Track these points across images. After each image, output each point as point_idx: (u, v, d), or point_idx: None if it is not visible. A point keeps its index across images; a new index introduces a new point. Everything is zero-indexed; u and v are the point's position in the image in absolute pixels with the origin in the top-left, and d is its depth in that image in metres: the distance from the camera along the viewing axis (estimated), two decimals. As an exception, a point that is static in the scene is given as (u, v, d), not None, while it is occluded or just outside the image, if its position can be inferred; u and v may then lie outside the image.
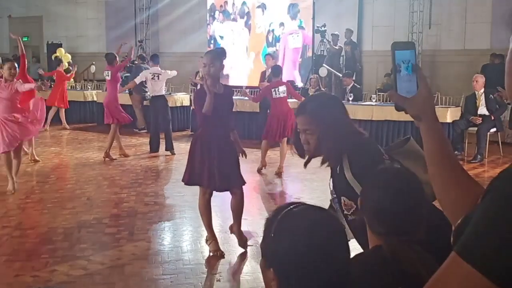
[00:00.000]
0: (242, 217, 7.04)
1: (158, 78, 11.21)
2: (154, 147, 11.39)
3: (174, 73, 11.60)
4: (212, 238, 5.70)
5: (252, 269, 5.19)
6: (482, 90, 10.61)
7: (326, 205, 1.56)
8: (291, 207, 1.51)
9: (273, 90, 9.42)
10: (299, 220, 1.48)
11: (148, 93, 11.86)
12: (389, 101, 12.82)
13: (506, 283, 1.00)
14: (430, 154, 1.53)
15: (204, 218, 5.73)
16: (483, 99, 10.60)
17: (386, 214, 1.86)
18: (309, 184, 8.93)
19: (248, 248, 5.78)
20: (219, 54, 5.48)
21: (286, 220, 1.48)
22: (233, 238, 6.18)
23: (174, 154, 11.12)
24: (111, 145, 10.63)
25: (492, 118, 10.47)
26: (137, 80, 11.43)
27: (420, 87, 1.50)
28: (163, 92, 11.42)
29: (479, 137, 10.34)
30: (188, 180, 5.63)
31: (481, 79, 10.65)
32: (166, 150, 11.25)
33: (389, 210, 1.86)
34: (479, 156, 10.18)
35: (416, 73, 1.49)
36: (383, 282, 1.77)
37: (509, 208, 1.03)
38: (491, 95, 10.53)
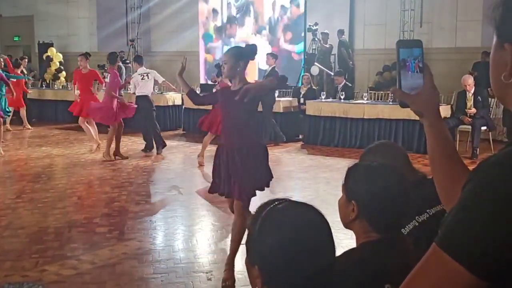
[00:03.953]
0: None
1: (148, 77, 11.16)
2: (148, 146, 11.38)
3: (161, 79, 11.52)
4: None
5: (243, 268, 5.13)
6: (473, 90, 10.64)
7: (317, 203, 1.55)
8: (275, 203, 1.50)
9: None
10: (283, 217, 1.47)
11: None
12: (381, 99, 12.87)
13: (484, 273, 1.01)
14: (432, 150, 1.54)
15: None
16: (473, 100, 10.64)
17: (389, 208, 1.86)
18: (301, 183, 8.93)
19: (240, 247, 5.75)
20: (239, 52, 4.94)
21: (270, 216, 1.47)
22: (225, 237, 6.17)
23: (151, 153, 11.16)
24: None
25: (478, 113, 10.52)
26: (132, 89, 11.40)
27: (425, 84, 1.51)
28: (150, 93, 11.29)
29: (473, 133, 10.40)
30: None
31: (470, 80, 10.67)
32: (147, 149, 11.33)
33: (392, 203, 1.87)
34: (475, 152, 10.20)
35: (422, 71, 1.50)
36: (371, 279, 1.77)
37: (485, 197, 1.04)
38: (478, 97, 10.56)
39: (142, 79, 11.07)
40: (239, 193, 4.86)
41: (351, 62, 15.47)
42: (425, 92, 1.51)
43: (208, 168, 8.06)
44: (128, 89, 12.03)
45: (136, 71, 11.47)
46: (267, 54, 12.90)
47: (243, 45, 5.30)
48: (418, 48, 1.52)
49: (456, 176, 1.45)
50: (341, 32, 15.35)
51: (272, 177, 5.16)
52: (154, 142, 11.25)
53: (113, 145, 10.60)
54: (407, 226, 2.37)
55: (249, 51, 4.99)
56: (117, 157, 10.57)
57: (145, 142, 11.42)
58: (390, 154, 2.55)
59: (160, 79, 11.40)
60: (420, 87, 1.50)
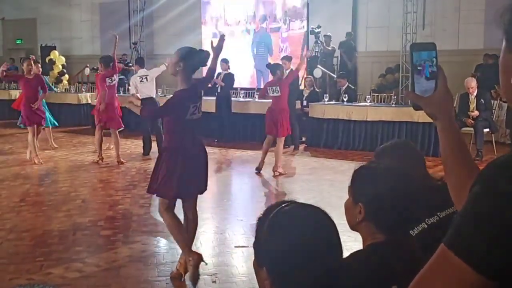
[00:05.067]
0: (238, 218, 7.06)
1: (147, 80, 11.11)
2: (146, 151, 11.39)
3: (162, 67, 11.34)
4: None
5: (248, 270, 5.18)
6: (475, 93, 10.64)
7: (321, 205, 1.56)
8: (283, 205, 1.52)
9: (269, 88, 9.48)
10: (291, 218, 1.48)
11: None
12: (384, 102, 12.87)
13: (491, 273, 1.02)
14: (444, 152, 1.55)
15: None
16: (476, 102, 10.64)
17: (396, 210, 1.87)
18: (304, 185, 8.94)
19: (244, 249, 5.78)
20: (182, 53, 4.98)
21: (278, 218, 1.48)
22: (229, 239, 6.19)
23: None
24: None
25: (480, 115, 10.53)
26: (132, 90, 11.36)
27: (439, 86, 1.52)
28: (153, 94, 11.29)
29: (476, 135, 10.41)
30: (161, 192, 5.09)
31: (473, 83, 10.66)
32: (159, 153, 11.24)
33: (399, 205, 1.87)
34: (479, 153, 10.20)
35: (436, 73, 1.51)
36: (378, 281, 1.78)
37: (490, 199, 1.05)
38: (481, 99, 10.56)
39: (141, 81, 11.04)
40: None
41: (349, 63, 15.45)
42: (439, 94, 1.52)
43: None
44: (128, 90, 12.04)
45: (136, 73, 11.47)
46: (282, 58, 12.73)
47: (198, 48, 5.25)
48: (432, 51, 1.53)
49: (468, 178, 1.47)
50: (349, 34, 15.41)
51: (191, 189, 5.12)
52: (157, 145, 11.26)
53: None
54: (415, 228, 2.37)
55: (195, 57, 5.02)
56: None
57: (143, 146, 11.44)
58: (408, 154, 2.54)
59: (161, 69, 11.24)
60: (432, 90, 1.52)
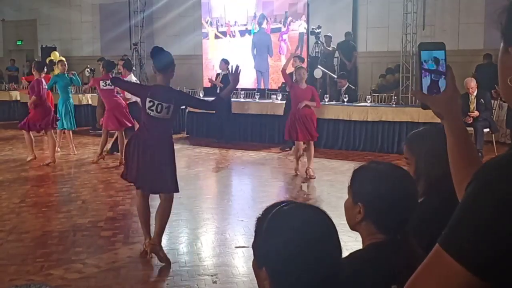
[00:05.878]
0: (238, 219, 7.04)
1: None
2: None
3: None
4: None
5: (248, 271, 5.18)
6: (475, 93, 10.63)
7: (321, 206, 1.56)
8: (281, 205, 1.51)
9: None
10: (290, 218, 1.48)
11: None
12: (384, 102, 12.86)
13: (483, 273, 1.02)
14: (451, 151, 1.56)
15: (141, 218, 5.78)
16: (476, 103, 10.64)
17: (396, 210, 1.87)
18: (305, 185, 8.94)
19: (244, 250, 5.77)
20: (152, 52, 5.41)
21: (277, 218, 1.48)
22: (229, 240, 6.18)
23: None
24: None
25: (480, 115, 10.54)
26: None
27: (447, 86, 1.52)
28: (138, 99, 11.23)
29: (477, 135, 10.41)
30: (126, 175, 5.63)
31: (473, 83, 10.66)
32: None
33: (399, 205, 1.87)
34: (480, 154, 10.20)
35: (444, 73, 1.51)
36: (376, 280, 1.77)
37: (484, 197, 1.05)
38: (481, 99, 10.56)
39: None
40: None
41: (348, 64, 15.43)
42: (446, 94, 1.52)
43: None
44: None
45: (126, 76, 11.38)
46: (294, 57, 12.67)
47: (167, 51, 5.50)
48: (440, 51, 1.53)
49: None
50: (348, 34, 15.40)
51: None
52: None
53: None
54: None
55: (159, 56, 5.35)
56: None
57: None
58: (442, 143, 2.49)
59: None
60: (439, 89, 1.52)
